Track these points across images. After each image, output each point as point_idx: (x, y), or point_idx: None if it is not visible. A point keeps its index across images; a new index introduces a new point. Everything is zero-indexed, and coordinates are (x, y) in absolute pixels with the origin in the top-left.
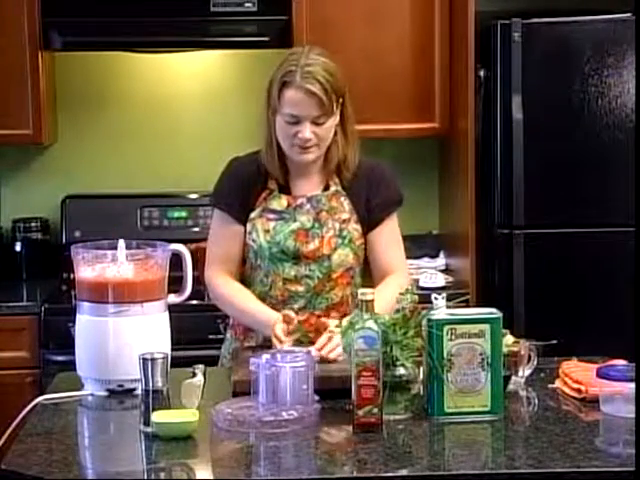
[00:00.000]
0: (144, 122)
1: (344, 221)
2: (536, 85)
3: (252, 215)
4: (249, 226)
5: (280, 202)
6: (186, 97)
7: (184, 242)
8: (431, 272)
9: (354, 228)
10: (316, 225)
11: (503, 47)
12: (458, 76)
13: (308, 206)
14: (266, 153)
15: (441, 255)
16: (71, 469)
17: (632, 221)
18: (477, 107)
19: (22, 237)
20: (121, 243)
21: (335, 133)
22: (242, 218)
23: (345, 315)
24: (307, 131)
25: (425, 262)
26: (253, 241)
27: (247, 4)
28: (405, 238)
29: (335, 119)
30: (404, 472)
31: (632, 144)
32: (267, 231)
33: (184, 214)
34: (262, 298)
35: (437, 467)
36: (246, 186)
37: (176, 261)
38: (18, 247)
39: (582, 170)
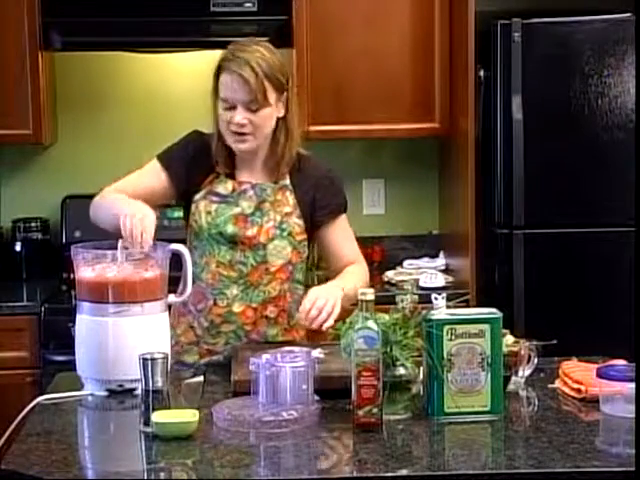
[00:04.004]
0: (144, 122)
1: (286, 214)
2: (536, 85)
3: (196, 197)
4: (193, 207)
5: (225, 186)
6: (186, 97)
7: (184, 242)
8: (431, 272)
9: (295, 222)
10: (257, 213)
11: (503, 47)
12: (458, 76)
13: (251, 192)
14: (214, 142)
15: (441, 255)
16: (71, 469)
17: (632, 221)
18: (477, 107)
19: (22, 237)
20: (121, 243)
21: (279, 128)
22: (173, 182)
23: (283, 310)
24: (238, 116)
25: (425, 262)
26: (195, 222)
27: (247, 4)
28: (405, 238)
29: (274, 111)
30: (404, 472)
31: (632, 144)
32: (209, 212)
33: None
34: (193, 280)
35: (437, 467)
36: (197, 159)
37: (176, 261)
38: (18, 247)
39: (582, 170)
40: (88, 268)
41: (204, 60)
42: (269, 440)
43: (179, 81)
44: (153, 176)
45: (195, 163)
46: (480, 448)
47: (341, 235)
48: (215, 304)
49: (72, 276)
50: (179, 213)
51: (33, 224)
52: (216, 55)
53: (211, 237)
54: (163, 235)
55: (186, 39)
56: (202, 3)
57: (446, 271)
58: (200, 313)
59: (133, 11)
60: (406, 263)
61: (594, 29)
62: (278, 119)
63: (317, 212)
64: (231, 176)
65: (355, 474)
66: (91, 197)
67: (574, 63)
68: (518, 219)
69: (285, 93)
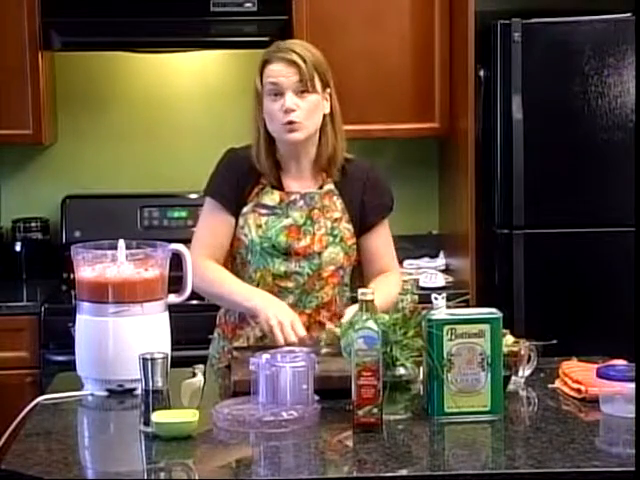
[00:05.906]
0: (144, 122)
1: (335, 220)
2: (536, 85)
3: (244, 210)
4: (241, 221)
5: (272, 197)
6: (186, 97)
7: (184, 242)
8: (431, 272)
9: (345, 227)
10: (308, 222)
11: (503, 47)
12: (458, 76)
13: (301, 202)
14: (257, 151)
15: (441, 255)
16: (71, 469)
17: (632, 221)
18: (477, 107)
19: (22, 237)
20: (121, 243)
21: (326, 126)
22: (234, 209)
23: (335, 314)
24: (289, 100)
25: (425, 262)
26: (245, 236)
27: (247, 4)
28: (405, 238)
29: (321, 101)
30: (404, 472)
31: (632, 144)
32: (259, 226)
33: (184, 214)
34: None
35: (437, 467)
36: (241, 178)
37: (176, 261)
38: (18, 247)
39: (582, 170)
40: (88, 268)
41: (204, 60)
42: (269, 440)
43: (179, 81)
44: (220, 219)
45: (241, 182)
46: (480, 448)
47: (384, 239)
48: None
49: (72, 276)
50: (179, 213)
51: (33, 224)
52: (216, 55)
53: (264, 250)
54: (163, 235)
55: (186, 39)
56: (202, 3)
57: (446, 271)
58: (258, 325)
59: (133, 11)
60: (406, 263)
61: (594, 29)
62: (324, 116)
63: (367, 214)
64: (276, 186)
65: (355, 474)
66: (91, 197)
67: (574, 63)
68: (518, 219)
69: (328, 89)
